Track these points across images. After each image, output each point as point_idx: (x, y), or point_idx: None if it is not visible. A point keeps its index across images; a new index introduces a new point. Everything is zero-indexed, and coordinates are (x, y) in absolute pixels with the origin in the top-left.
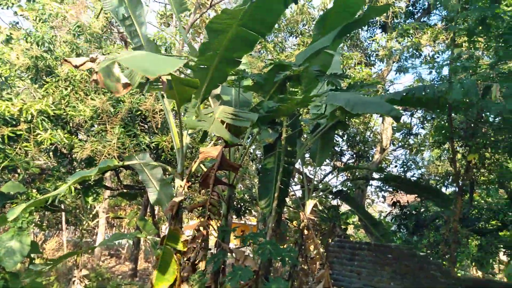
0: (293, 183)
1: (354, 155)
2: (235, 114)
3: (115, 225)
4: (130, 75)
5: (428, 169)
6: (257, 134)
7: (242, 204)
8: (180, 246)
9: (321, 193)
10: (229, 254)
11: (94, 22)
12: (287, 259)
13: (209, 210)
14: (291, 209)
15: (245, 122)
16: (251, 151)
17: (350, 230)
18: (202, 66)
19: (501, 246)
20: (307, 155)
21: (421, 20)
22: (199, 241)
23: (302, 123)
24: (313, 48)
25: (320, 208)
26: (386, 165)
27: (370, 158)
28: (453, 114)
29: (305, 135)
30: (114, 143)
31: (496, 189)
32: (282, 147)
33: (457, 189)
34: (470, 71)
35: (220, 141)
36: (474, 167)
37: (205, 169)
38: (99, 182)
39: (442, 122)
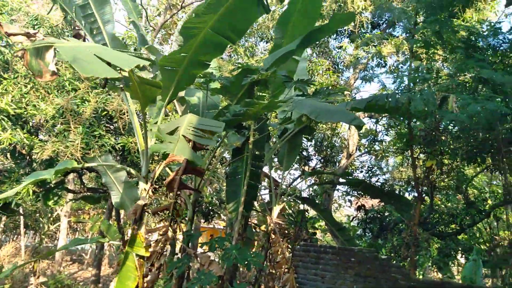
0: (263, 187)
1: (322, 160)
2: (202, 125)
3: (78, 229)
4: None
5: (392, 174)
6: (224, 137)
7: (210, 208)
8: (142, 251)
9: (288, 198)
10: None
11: (52, 15)
12: (252, 264)
13: (173, 214)
14: (259, 213)
15: (210, 141)
16: (220, 154)
17: (319, 234)
18: (170, 68)
19: (459, 249)
20: (276, 159)
21: (386, 31)
22: (163, 245)
23: (270, 127)
24: (279, 53)
25: (289, 212)
26: (352, 170)
27: (337, 163)
28: (414, 122)
29: (273, 139)
30: (78, 144)
31: (455, 194)
32: (250, 150)
33: (416, 194)
34: (430, 82)
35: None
36: (433, 173)
37: (171, 173)
38: (61, 185)
39: (403, 130)
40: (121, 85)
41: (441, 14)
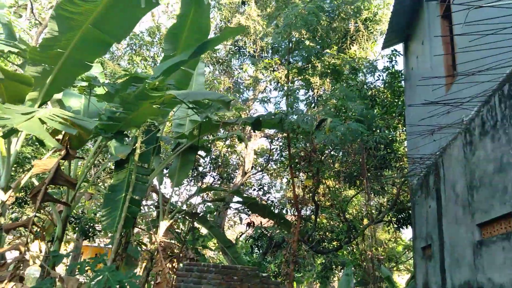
0: (154, 203)
1: (219, 177)
2: (68, 116)
3: None
4: None
5: (286, 192)
6: (104, 146)
7: (92, 225)
8: None
9: (177, 215)
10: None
11: None
12: (129, 286)
13: (32, 231)
14: (144, 231)
15: (70, 129)
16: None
17: (212, 253)
18: (44, 65)
19: (339, 264)
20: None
21: (285, 57)
22: (16, 268)
23: (161, 141)
24: (170, 62)
25: (179, 229)
26: (248, 187)
27: (233, 180)
28: (294, 144)
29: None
30: None
31: (337, 213)
32: (134, 163)
33: (296, 213)
34: (311, 105)
35: (58, 152)
36: (315, 193)
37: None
38: None
39: (284, 152)
40: None
41: (308, 45)
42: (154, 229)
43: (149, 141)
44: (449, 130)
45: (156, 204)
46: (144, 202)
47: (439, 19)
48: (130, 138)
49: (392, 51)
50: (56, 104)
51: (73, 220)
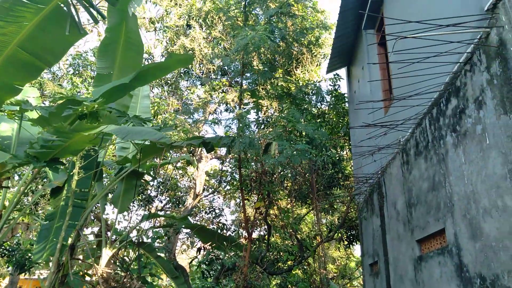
0: (93, 232)
1: (169, 201)
2: None
3: None
4: None
5: (239, 214)
6: (36, 174)
7: (28, 256)
8: None
9: (122, 243)
10: None
11: None
12: None
13: None
14: (83, 261)
15: None
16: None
17: (166, 279)
18: None
19: (294, 283)
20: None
21: (235, 79)
22: None
23: (103, 166)
24: (110, 85)
25: (127, 258)
26: (201, 209)
27: (185, 203)
28: (244, 166)
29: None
30: None
31: (290, 233)
32: (71, 190)
33: (246, 234)
34: (259, 129)
35: None
36: (267, 214)
37: None
38: None
39: (235, 173)
40: None
41: (258, 68)
42: (95, 259)
43: (89, 166)
44: (388, 151)
45: (98, 232)
46: (89, 230)
47: (376, 46)
48: (67, 164)
49: (334, 75)
50: None
51: (6, 252)
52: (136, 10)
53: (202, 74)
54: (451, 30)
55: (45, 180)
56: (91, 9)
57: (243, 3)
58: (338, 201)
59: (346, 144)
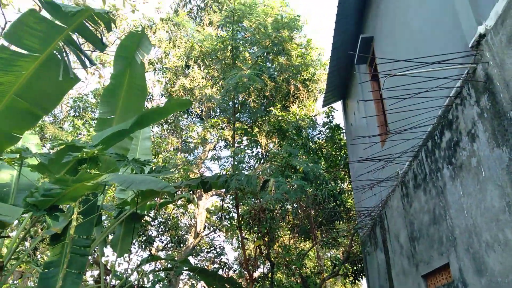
0: (96, 277)
1: (170, 241)
2: None
3: None
4: None
5: (241, 252)
6: (35, 222)
7: None
8: None
9: None
10: None
11: None
12: None
13: None
14: None
15: None
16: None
17: None
18: None
19: None
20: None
21: (231, 118)
22: None
23: (102, 209)
24: (110, 130)
25: None
26: (203, 248)
27: (186, 242)
28: (242, 204)
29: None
30: None
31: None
32: (69, 236)
33: (246, 274)
34: (256, 165)
35: None
36: (269, 251)
37: None
38: None
39: (233, 213)
40: None
41: (253, 106)
42: None
43: (88, 211)
44: (387, 184)
45: (97, 277)
46: (89, 274)
47: (370, 81)
48: (67, 209)
49: (329, 108)
50: None
51: None
52: (145, 57)
53: (202, 112)
54: (438, 67)
55: (44, 224)
56: (81, 55)
57: (229, 47)
58: (341, 234)
59: (346, 176)
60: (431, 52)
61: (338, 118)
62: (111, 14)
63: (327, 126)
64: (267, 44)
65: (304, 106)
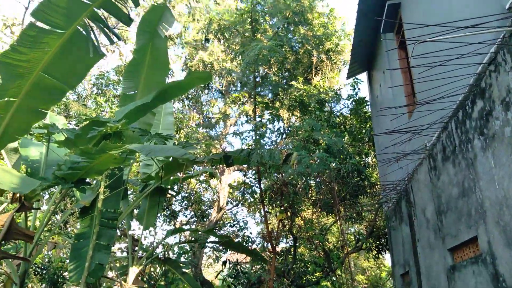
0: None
1: (194, 215)
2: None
3: None
4: None
5: (263, 227)
6: (64, 195)
7: (60, 273)
8: None
9: (148, 259)
10: None
11: None
12: None
13: None
14: (112, 279)
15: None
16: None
17: None
18: None
19: None
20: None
21: (255, 90)
22: None
23: (128, 183)
24: (133, 105)
25: (151, 275)
26: (227, 222)
27: (209, 217)
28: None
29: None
30: None
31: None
32: (98, 209)
33: (270, 248)
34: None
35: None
36: (292, 225)
37: None
38: None
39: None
40: None
41: (274, 80)
42: (124, 277)
43: (115, 185)
44: (414, 157)
45: (125, 249)
46: (117, 246)
47: (396, 49)
48: (94, 183)
49: (354, 79)
50: (12, 153)
51: (38, 271)
52: (168, 31)
53: (222, 87)
54: (472, 31)
55: (73, 198)
56: (107, 31)
57: (248, 20)
58: (365, 209)
59: (370, 150)
60: (464, 16)
61: (363, 90)
62: None
63: (352, 99)
64: (287, 15)
65: (327, 78)
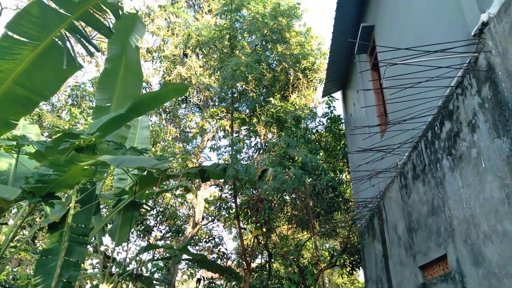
0: (95, 265)
1: (168, 231)
2: None
3: None
4: None
5: (239, 243)
6: (32, 210)
7: None
8: None
9: (120, 276)
10: None
11: None
12: None
13: None
14: None
15: None
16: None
17: None
18: None
19: None
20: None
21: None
22: None
23: (101, 198)
24: (107, 117)
25: None
26: (201, 238)
27: (184, 232)
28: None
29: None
30: None
31: (291, 259)
32: (67, 225)
33: (244, 264)
34: (255, 155)
35: None
36: (267, 241)
37: None
38: None
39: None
40: None
41: (251, 96)
42: None
43: (87, 199)
44: (386, 175)
45: (97, 266)
46: (89, 262)
47: (369, 70)
48: (65, 198)
49: (329, 97)
50: None
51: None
52: (139, 42)
53: (200, 101)
54: (440, 56)
55: (42, 213)
56: (85, 42)
57: (227, 36)
58: (339, 225)
59: (345, 167)
60: (433, 41)
61: (338, 108)
62: (119, 3)
63: (327, 116)
64: (266, 32)
65: (304, 95)
